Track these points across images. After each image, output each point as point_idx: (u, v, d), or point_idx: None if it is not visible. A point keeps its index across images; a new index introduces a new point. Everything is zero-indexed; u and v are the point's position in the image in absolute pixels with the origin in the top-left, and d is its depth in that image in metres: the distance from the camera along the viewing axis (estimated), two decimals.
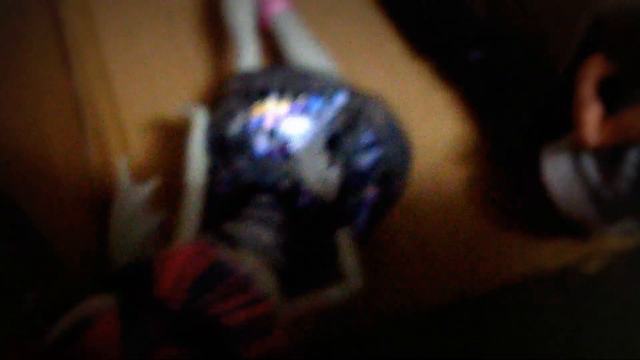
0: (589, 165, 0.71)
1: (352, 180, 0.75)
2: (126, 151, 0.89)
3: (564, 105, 0.74)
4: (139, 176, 0.84)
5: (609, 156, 0.70)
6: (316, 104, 0.77)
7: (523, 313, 0.86)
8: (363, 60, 0.94)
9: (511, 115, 0.84)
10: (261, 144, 0.76)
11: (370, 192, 0.76)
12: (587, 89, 0.73)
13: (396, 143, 0.79)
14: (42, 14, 0.89)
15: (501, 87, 0.84)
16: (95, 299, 0.51)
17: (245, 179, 0.76)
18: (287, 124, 0.75)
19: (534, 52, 0.83)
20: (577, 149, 0.72)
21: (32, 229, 0.54)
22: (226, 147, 0.76)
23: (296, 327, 0.68)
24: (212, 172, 0.76)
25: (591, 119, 0.70)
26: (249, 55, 0.88)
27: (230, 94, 0.81)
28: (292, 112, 0.76)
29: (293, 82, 0.78)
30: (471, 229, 0.84)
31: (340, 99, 0.77)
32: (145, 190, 0.79)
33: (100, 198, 0.80)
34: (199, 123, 0.78)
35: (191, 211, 0.72)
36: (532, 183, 0.77)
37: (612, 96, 0.72)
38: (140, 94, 0.96)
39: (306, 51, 0.89)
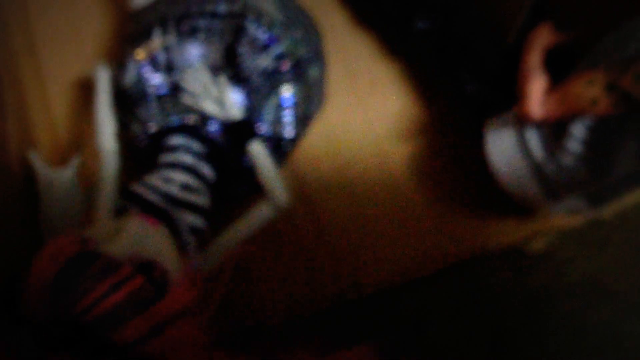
0: (533, 139, 0.68)
1: (259, 90, 0.72)
2: (51, 125, 0.84)
3: (511, 76, 0.71)
4: (67, 152, 0.80)
5: (554, 130, 0.67)
6: (201, 22, 0.72)
7: (470, 293, 0.85)
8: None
9: (459, 87, 0.80)
10: (159, 83, 0.72)
11: (285, 92, 0.73)
12: (533, 59, 0.69)
13: (297, 29, 0.75)
14: None
15: (449, 58, 0.80)
16: None
17: (153, 126, 0.72)
18: (179, 53, 0.71)
19: (482, 21, 0.80)
20: (520, 122, 0.69)
21: None
22: (128, 99, 0.73)
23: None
24: (125, 129, 0.73)
25: (535, 90, 0.66)
26: None
27: (123, 41, 0.77)
28: (180, 39, 0.72)
29: (174, 8, 0.73)
30: (415, 207, 0.80)
31: (221, 7, 0.72)
32: (69, 173, 0.74)
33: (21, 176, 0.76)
34: (102, 82, 0.73)
35: (106, 180, 0.68)
36: (476, 158, 0.75)
37: (561, 66, 0.69)
38: (69, 60, 0.90)
39: None
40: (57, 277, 0.51)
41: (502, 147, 0.70)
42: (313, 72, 0.76)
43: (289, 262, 0.77)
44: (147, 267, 0.55)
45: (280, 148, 0.74)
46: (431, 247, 0.78)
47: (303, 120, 0.76)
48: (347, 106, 0.85)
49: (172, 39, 0.72)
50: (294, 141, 0.75)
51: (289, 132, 0.74)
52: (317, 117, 0.80)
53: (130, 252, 0.57)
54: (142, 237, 0.60)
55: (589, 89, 0.60)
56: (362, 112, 0.85)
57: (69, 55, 0.89)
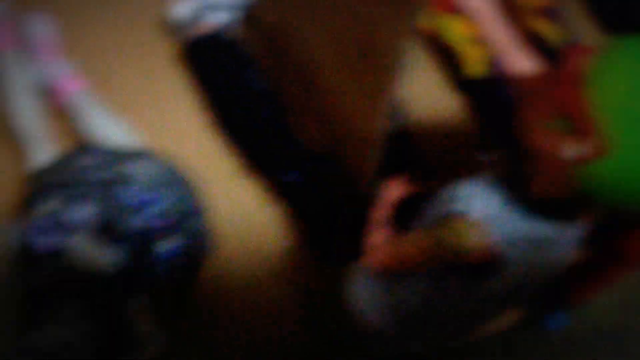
0: (380, 285, 0.77)
1: (138, 246, 0.79)
2: None
3: (360, 224, 0.80)
4: None
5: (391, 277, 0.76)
6: (81, 189, 0.80)
7: None
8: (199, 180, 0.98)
9: (325, 232, 0.89)
10: (46, 246, 0.78)
11: (165, 245, 0.80)
12: (381, 211, 0.79)
13: (174, 189, 0.84)
14: None
15: (314, 205, 0.90)
16: None
17: (43, 284, 0.78)
18: (64, 217, 0.79)
19: (343, 173, 0.90)
20: (368, 269, 0.78)
21: None
22: (21, 259, 0.80)
23: None
24: (19, 284, 0.79)
25: (377, 242, 0.76)
26: (39, 154, 0.92)
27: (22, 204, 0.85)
28: (65, 205, 0.79)
29: (60, 175, 0.83)
30: (291, 339, 0.88)
31: (96, 176, 0.81)
32: None
33: None
34: (1, 243, 0.81)
35: (3, 332, 0.76)
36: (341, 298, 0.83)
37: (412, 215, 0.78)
38: None
39: (101, 127, 0.94)
40: None
41: (355, 290, 0.80)
42: (194, 224, 0.84)
43: None
44: None
45: (162, 293, 0.82)
46: None
47: (190, 266, 0.84)
48: (236, 245, 0.94)
49: (57, 204, 0.80)
50: (181, 287, 0.83)
51: (170, 279, 0.82)
52: (205, 262, 0.87)
53: None
54: None
55: (412, 248, 0.70)
56: (250, 250, 0.94)
57: None
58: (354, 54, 0.85)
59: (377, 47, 0.80)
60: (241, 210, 0.98)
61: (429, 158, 0.96)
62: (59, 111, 0.99)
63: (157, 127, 1.00)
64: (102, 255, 0.78)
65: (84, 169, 0.82)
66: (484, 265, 0.65)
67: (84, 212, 0.79)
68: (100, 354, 0.76)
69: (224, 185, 0.95)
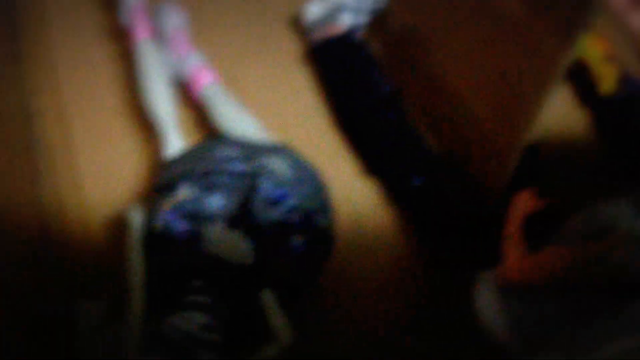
0: (513, 297, 0.76)
1: (270, 240, 0.81)
2: (86, 258, 0.94)
3: (496, 235, 0.80)
4: (102, 286, 0.89)
5: (530, 291, 0.75)
6: (220, 178, 0.82)
7: None
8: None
9: (448, 241, 0.89)
10: (182, 231, 0.81)
11: (297, 241, 0.81)
12: (514, 225, 0.79)
13: (306, 185, 0.85)
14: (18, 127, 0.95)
15: (438, 214, 0.90)
16: None
17: (177, 268, 0.81)
18: (201, 205, 0.81)
19: (471, 182, 0.90)
20: (502, 280, 0.78)
21: None
22: (155, 243, 0.82)
23: None
24: (151, 268, 0.82)
25: (513, 255, 0.75)
26: (172, 142, 0.94)
27: (153, 189, 0.88)
28: (202, 192, 0.81)
29: (198, 164, 0.84)
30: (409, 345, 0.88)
31: (238, 166, 0.83)
32: (102, 305, 0.83)
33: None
34: (135, 224, 0.84)
35: (135, 317, 0.77)
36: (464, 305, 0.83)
37: (541, 230, 0.78)
38: (108, 198, 1.01)
39: (235, 120, 0.97)
40: None
41: (486, 300, 0.78)
42: (321, 222, 0.85)
43: None
44: None
45: (290, 290, 0.83)
46: None
47: (314, 264, 0.85)
48: (353, 248, 0.95)
49: (195, 191, 0.82)
50: (306, 282, 0.84)
51: (299, 276, 0.83)
52: (327, 261, 0.88)
53: None
54: None
55: (558, 262, 0.69)
56: (366, 253, 0.95)
57: (109, 193, 1.00)
58: (494, 70, 0.85)
59: (522, 76, 0.80)
60: (359, 212, 0.98)
61: (556, 174, 0.95)
62: (192, 103, 1.02)
63: (279, 124, 1.02)
64: (238, 245, 0.80)
65: (223, 159, 0.84)
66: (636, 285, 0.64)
67: (222, 201, 0.81)
68: (233, 343, 0.78)
69: (343, 186, 0.96)
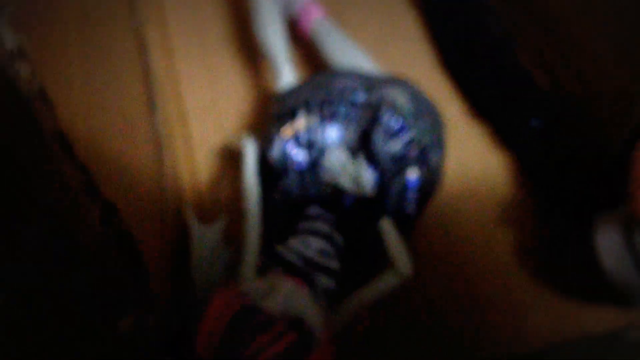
0: (638, 237, 0.75)
1: (389, 171, 0.80)
2: (196, 187, 0.96)
3: (620, 177, 0.78)
4: (211, 212, 0.91)
5: None
6: (341, 108, 0.82)
7: None
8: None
9: (566, 184, 0.88)
10: (301, 159, 0.82)
11: (411, 175, 0.81)
12: None
13: (424, 119, 0.84)
14: (132, 57, 0.97)
15: (558, 156, 0.88)
16: None
17: (294, 196, 0.82)
18: (320, 134, 0.81)
19: (592, 127, 0.88)
20: (630, 221, 0.76)
21: (138, 251, 0.60)
22: (272, 172, 0.82)
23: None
24: (266, 197, 0.82)
25: None
26: (285, 75, 0.94)
27: (268, 119, 0.88)
28: (322, 122, 0.81)
29: (317, 94, 0.83)
30: (520, 289, 0.87)
31: (360, 97, 0.82)
32: (216, 229, 0.85)
33: (175, 234, 0.87)
34: (249, 153, 0.84)
35: (251, 241, 0.78)
36: (582, 250, 0.81)
37: None
38: (212, 130, 1.02)
39: (348, 54, 0.95)
40: (226, 327, 0.61)
41: (610, 242, 0.77)
42: (434, 158, 0.85)
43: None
44: (297, 324, 0.64)
45: (402, 224, 0.83)
46: (532, 327, 0.84)
47: (423, 200, 0.85)
48: (459, 191, 0.94)
49: (314, 120, 0.82)
50: (415, 218, 0.84)
51: (412, 210, 0.82)
52: (433, 199, 0.88)
53: (283, 309, 0.66)
54: (292, 296, 0.69)
55: None
56: (472, 197, 0.94)
57: (213, 126, 1.02)
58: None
59: None
60: (466, 153, 0.97)
61: None
62: (302, 38, 1.02)
63: (385, 65, 1.00)
64: (359, 175, 0.80)
65: (343, 89, 0.83)
66: None
67: (343, 131, 0.81)
68: (351, 271, 0.78)
69: (450, 128, 0.94)
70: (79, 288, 0.53)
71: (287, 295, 0.69)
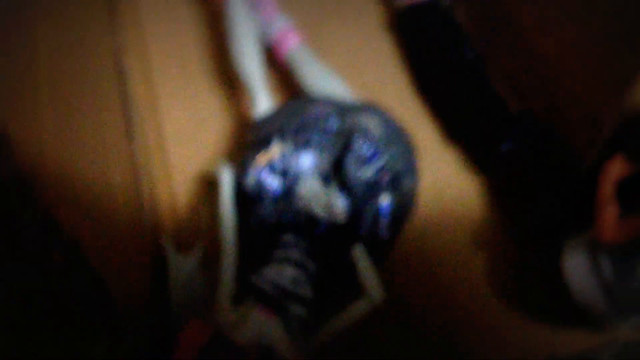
0: (605, 261, 0.76)
1: (361, 198, 0.81)
2: (174, 214, 0.97)
3: (587, 200, 0.80)
4: (188, 239, 0.92)
5: (624, 256, 0.75)
6: (314, 136, 0.83)
7: None
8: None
9: (537, 206, 0.89)
10: (276, 187, 0.83)
11: (383, 201, 0.82)
12: (607, 188, 0.78)
13: (396, 145, 0.86)
14: (111, 86, 0.98)
15: (528, 180, 0.90)
16: None
17: (268, 223, 0.83)
18: (294, 161, 0.83)
19: (561, 151, 0.90)
20: (594, 245, 0.78)
21: (102, 278, 0.61)
22: (247, 198, 0.84)
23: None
24: (242, 224, 0.84)
25: (609, 217, 0.75)
26: (262, 102, 0.95)
27: (244, 146, 0.90)
28: (296, 149, 0.83)
29: (291, 121, 0.85)
30: (494, 311, 0.88)
31: (333, 124, 0.84)
32: (192, 257, 0.86)
33: (152, 262, 0.88)
34: (226, 181, 0.85)
35: (226, 269, 0.80)
36: (552, 272, 0.83)
37: (632, 195, 0.78)
38: (191, 157, 1.03)
39: (323, 81, 0.98)
40: (197, 356, 0.62)
41: (576, 264, 0.79)
42: (407, 183, 0.86)
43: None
44: (267, 354, 0.66)
45: (376, 248, 0.84)
46: (505, 346, 0.85)
47: (397, 225, 0.86)
48: (433, 215, 0.95)
49: (288, 148, 0.83)
50: (388, 243, 0.85)
51: (385, 235, 0.84)
52: (408, 223, 0.89)
53: (254, 339, 0.68)
54: (263, 327, 0.70)
55: None
56: (447, 221, 0.95)
57: (192, 152, 1.03)
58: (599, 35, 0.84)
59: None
60: (439, 177, 0.99)
61: None
62: (277, 65, 1.03)
63: (360, 89, 1.02)
64: (331, 202, 0.81)
65: (317, 116, 0.85)
66: None
67: (316, 158, 0.82)
68: (323, 299, 0.79)
69: (423, 152, 0.96)
70: (51, 323, 0.54)
71: (257, 326, 0.70)
